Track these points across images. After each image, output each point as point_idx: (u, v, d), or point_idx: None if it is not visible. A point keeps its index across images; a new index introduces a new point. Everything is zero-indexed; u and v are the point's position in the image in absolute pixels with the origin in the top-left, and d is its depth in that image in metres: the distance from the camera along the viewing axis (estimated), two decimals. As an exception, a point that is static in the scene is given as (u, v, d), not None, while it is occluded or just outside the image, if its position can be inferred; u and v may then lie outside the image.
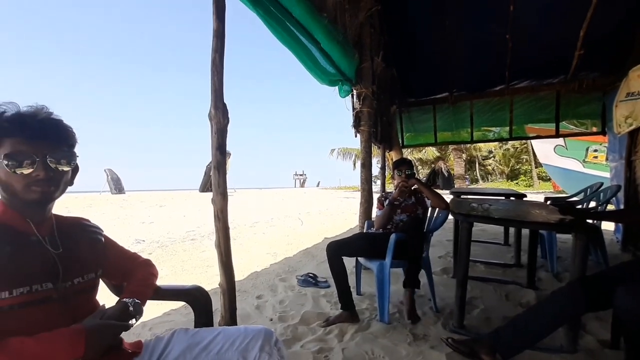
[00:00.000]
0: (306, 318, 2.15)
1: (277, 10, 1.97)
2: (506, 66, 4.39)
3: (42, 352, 0.69)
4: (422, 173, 24.07)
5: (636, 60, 3.43)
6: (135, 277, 1.02)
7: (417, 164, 24.80)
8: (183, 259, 4.32)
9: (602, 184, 3.45)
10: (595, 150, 8.38)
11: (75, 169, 0.88)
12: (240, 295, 2.72)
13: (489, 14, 3.79)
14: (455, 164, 21.03)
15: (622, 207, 3.67)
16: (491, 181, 24.70)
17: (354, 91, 3.33)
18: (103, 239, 0.99)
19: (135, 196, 15.12)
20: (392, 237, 2.09)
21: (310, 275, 2.93)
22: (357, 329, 1.98)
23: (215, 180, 1.27)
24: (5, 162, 0.74)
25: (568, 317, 1.58)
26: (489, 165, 25.27)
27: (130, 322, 0.88)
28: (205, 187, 21.58)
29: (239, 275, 3.36)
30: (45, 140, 0.78)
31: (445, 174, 21.19)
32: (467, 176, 22.78)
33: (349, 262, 2.57)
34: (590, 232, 1.69)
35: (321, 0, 2.43)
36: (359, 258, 2.44)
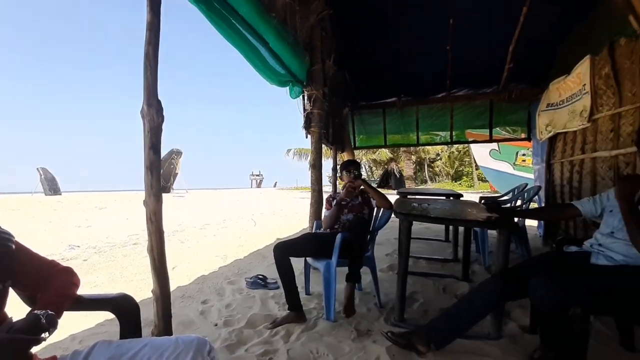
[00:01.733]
0: (253, 321, 2.12)
1: (222, 7, 1.92)
2: (447, 75, 4.72)
3: None
4: (376, 174, 24.93)
5: (556, 74, 3.88)
6: (51, 286, 0.93)
7: (371, 165, 25.66)
8: (123, 265, 4.03)
9: (527, 184, 3.86)
10: (524, 154, 9.40)
11: None
12: (184, 302, 2.61)
13: (432, 25, 4.05)
14: (405, 166, 22.10)
15: (543, 205, 4.13)
16: (438, 182, 26.29)
17: (305, 93, 3.35)
18: (13, 246, 0.89)
19: (72, 198, 13.75)
20: (338, 236, 2.14)
21: (260, 277, 2.89)
22: (304, 328, 1.99)
23: (148, 181, 1.20)
24: None
25: (492, 306, 1.74)
26: (437, 167, 26.87)
27: (42, 335, 0.80)
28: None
29: (185, 280, 3.21)
30: None
31: (397, 175, 22.15)
32: (416, 177, 24.06)
33: (300, 263, 2.60)
34: (511, 228, 1.88)
35: (270, 0, 2.42)
36: (307, 258, 2.46)
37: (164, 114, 1.21)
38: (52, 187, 17.15)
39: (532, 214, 2.31)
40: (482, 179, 22.29)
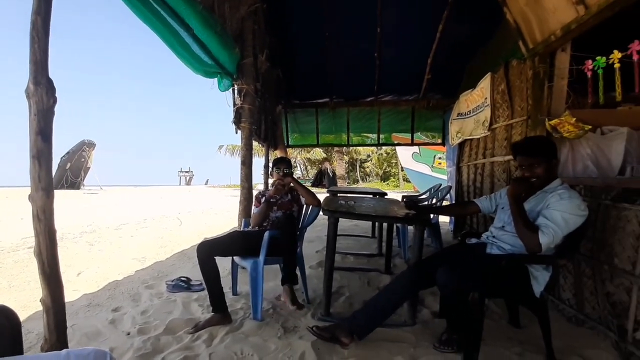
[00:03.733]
0: (172, 327, 1.97)
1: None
2: (375, 80, 5.01)
3: None
4: (311, 173, 25.29)
5: (465, 87, 4.38)
6: None
7: (306, 163, 25.94)
8: (13, 272, 3.41)
9: (441, 184, 4.28)
10: (440, 158, 10.48)
11: None
12: (90, 310, 2.32)
13: (361, 32, 4.25)
14: (338, 166, 22.86)
15: (452, 202, 4.64)
16: (368, 182, 27.73)
17: (235, 86, 3.23)
18: None
19: (-61, 195, 11.19)
20: (266, 234, 2.11)
21: (183, 279, 2.71)
22: (229, 330, 1.92)
23: (36, 173, 1.01)
24: None
25: (407, 295, 1.88)
26: (367, 167, 28.33)
27: None
28: (59, 184, 17.58)
29: (93, 286, 2.85)
30: None
31: (331, 174, 22.79)
32: (348, 177, 25.05)
33: (228, 263, 2.49)
34: (425, 223, 2.06)
35: (196, -16, 2.26)
36: (234, 257, 2.38)
37: (56, 95, 1.03)
38: None
39: (443, 211, 2.56)
40: (407, 180, 24.18)
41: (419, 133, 5.81)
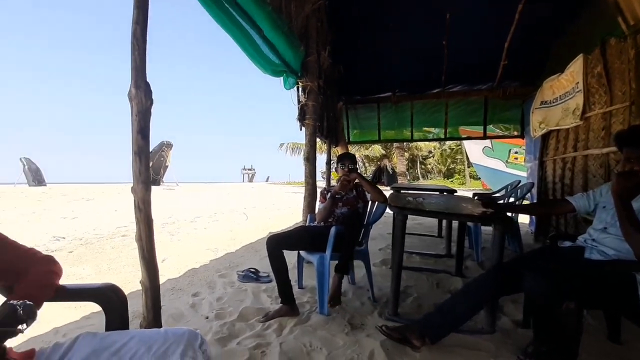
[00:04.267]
0: (245, 314, 2.09)
1: (216, -9, 1.85)
2: (442, 71, 4.70)
3: None
4: (369, 170, 24.98)
5: (549, 73, 3.89)
6: (30, 275, 0.87)
7: (364, 160, 25.68)
8: (111, 257, 3.94)
9: (519, 181, 3.88)
10: (516, 152, 9.47)
11: None
12: (174, 294, 2.56)
13: (428, 20, 4.01)
14: (398, 162, 22.17)
15: (535, 201, 4.16)
16: (430, 179, 26.50)
17: (300, 84, 3.29)
18: None
19: (57, 189, 13.44)
20: (332, 229, 2.11)
21: (252, 270, 2.85)
22: (297, 322, 1.96)
23: (137, 168, 1.14)
24: None
25: (487, 300, 1.73)
26: (429, 164, 27.08)
27: (18, 327, 0.74)
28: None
29: (175, 272, 3.16)
30: None
31: (390, 171, 22.25)
32: (409, 173, 24.19)
33: (293, 256, 2.56)
34: (506, 223, 1.87)
35: (265, -13, 2.34)
36: (300, 251, 2.43)
37: (153, 97, 1.15)
38: (36, 177, 16.75)
39: (527, 210, 2.31)
40: (474, 177, 22.55)
41: (491, 125, 5.33)
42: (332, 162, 5.22)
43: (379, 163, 23.36)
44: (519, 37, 3.94)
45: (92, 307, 2.17)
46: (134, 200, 1.17)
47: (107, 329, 0.95)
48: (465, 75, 4.85)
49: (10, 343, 0.78)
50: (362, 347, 1.69)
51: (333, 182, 6.05)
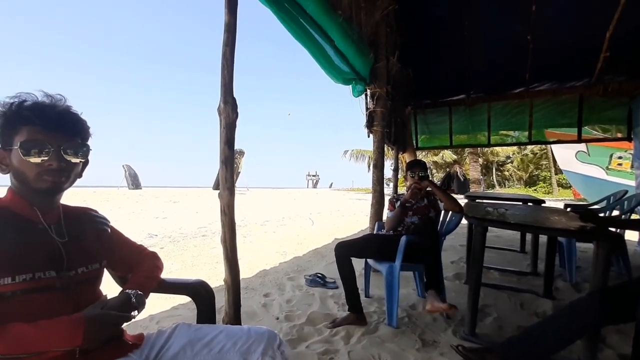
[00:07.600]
0: (313, 318, 2.12)
1: (291, 7, 1.96)
2: (526, 68, 4.25)
3: (40, 339, 0.69)
4: (437, 177, 23.68)
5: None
6: (140, 269, 1.01)
7: (432, 167, 24.44)
8: (193, 254, 4.37)
9: (626, 191, 3.29)
10: (620, 157, 8.04)
11: (86, 162, 0.89)
12: (247, 293, 2.72)
13: (510, 13, 3.68)
14: (471, 168, 20.58)
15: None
16: (508, 187, 24.09)
17: (368, 91, 3.29)
18: (109, 230, 0.99)
19: (150, 192, 15.44)
20: (403, 239, 2.04)
21: (319, 275, 2.90)
22: (364, 331, 1.94)
23: (223, 175, 1.26)
24: (21, 150, 0.76)
25: (587, 329, 1.50)
26: (507, 170, 24.65)
27: (132, 313, 0.87)
28: (218, 185, 21.79)
29: (247, 272, 3.36)
30: (60, 132, 0.79)
31: (461, 178, 20.77)
32: (483, 180, 22.28)
33: (359, 264, 2.54)
34: (613, 240, 1.61)
35: (336, -2, 2.40)
36: (368, 260, 2.40)
37: (238, 110, 1.27)
38: (134, 182, 19.42)
39: (637, 225, 1.94)
40: (562, 185, 19.91)
41: (587, 127, 4.63)
42: (399, 169, 5.08)
43: (448, 169, 22.01)
44: (625, 24, 3.38)
45: (179, 300, 2.44)
46: (220, 205, 1.29)
47: (198, 321, 1.05)
48: (554, 71, 4.30)
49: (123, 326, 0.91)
50: (436, 366, 1.60)
51: (401, 190, 5.88)
